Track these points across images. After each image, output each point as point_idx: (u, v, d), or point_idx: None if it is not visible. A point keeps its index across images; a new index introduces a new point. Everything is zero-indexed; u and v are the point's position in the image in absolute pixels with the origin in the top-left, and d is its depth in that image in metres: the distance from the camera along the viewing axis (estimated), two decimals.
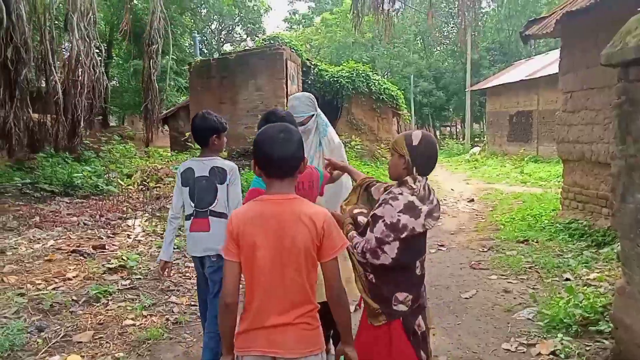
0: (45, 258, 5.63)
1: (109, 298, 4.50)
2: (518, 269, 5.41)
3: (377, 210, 2.15)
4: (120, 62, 20.96)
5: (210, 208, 2.98)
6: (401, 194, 2.14)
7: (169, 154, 14.17)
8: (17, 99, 8.39)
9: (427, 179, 2.21)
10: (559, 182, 12.57)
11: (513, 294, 4.72)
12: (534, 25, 7.39)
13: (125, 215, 8.28)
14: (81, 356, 3.45)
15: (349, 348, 1.92)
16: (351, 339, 1.94)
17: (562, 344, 3.51)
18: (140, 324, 4.01)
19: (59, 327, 3.85)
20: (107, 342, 3.68)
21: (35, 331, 3.74)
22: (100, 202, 9.26)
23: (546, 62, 20.18)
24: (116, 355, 3.49)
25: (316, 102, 3.31)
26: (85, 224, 7.80)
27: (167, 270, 3.29)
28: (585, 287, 4.52)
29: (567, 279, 4.99)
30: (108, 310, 4.26)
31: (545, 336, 3.73)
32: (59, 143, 9.39)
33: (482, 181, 14.72)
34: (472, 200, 10.89)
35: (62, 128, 9.29)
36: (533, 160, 17.83)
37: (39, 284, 4.85)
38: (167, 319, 4.15)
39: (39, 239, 6.64)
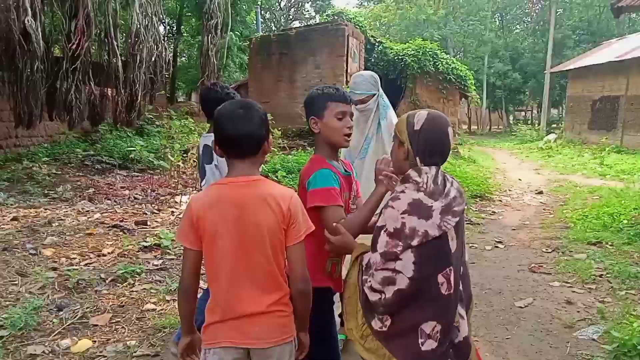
0: (87, 232, 5.65)
1: (136, 278, 4.38)
2: (586, 276, 4.72)
3: (379, 220, 1.71)
4: (188, 38, 21.26)
5: (202, 187, 2.83)
6: (403, 191, 1.69)
7: None
8: (78, 71, 8.50)
9: (438, 169, 1.74)
10: None
11: (577, 307, 4.09)
12: None
13: (175, 191, 8.30)
14: (93, 341, 3.31)
15: (303, 333, 1.84)
16: (306, 325, 1.84)
17: None
18: (161, 310, 3.84)
19: (79, 306, 3.75)
20: (122, 327, 3.53)
21: (55, 310, 3.66)
22: (154, 177, 9.39)
23: None
24: (128, 343, 3.32)
25: (379, 82, 3.20)
26: (135, 198, 7.88)
27: None
28: None
29: None
30: (132, 291, 4.12)
31: None
32: (117, 117, 9.52)
33: (554, 171, 13.54)
34: (541, 192, 9.96)
35: (121, 102, 9.41)
36: (616, 150, 16.21)
37: (74, 258, 4.83)
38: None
39: (87, 211, 6.74)
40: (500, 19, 39.37)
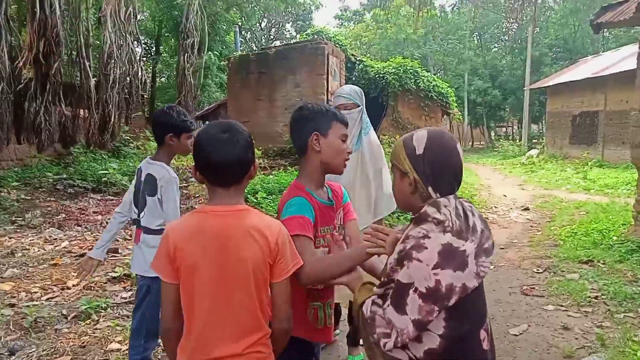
0: (52, 262, 5.28)
1: (101, 314, 4.03)
2: (581, 298, 4.50)
3: (401, 275, 1.34)
4: (167, 58, 21.04)
5: (140, 218, 2.62)
6: (427, 236, 1.33)
7: None
8: (48, 92, 8.17)
9: (456, 197, 1.44)
10: (628, 190, 11.25)
11: (574, 332, 3.85)
12: (607, 12, 6.36)
13: None
14: None
15: None
16: None
17: None
18: (126, 350, 3.48)
19: (34, 349, 3.39)
20: None
21: (6, 354, 3.29)
22: None
23: (616, 59, 18.49)
24: None
25: (364, 99, 3.14)
26: (107, 223, 7.49)
27: (90, 268, 2.88)
28: None
29: None
30: (96, 329, 3.77)
31: None
32: (90, 138, 9.17)
33: (539, 187, 13.48)
34: (527, 208, 9.82)
35: (93, 123, 9.08)
36: (597, 164, 16.30)
37: (35, 292, 4.47)
38: (159, 344, 3.60)
39: (55, 239, 6.36)
40: (478, 37, 40.04)
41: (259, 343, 1.55)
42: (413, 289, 1.31)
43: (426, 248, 1.31)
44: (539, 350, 3.56)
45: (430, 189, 1.43)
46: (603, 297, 4.52)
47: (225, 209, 1.53)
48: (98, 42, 10.46)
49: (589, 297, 4.52)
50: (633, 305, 4.26)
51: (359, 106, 3.06)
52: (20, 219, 7.36)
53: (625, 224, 6.93)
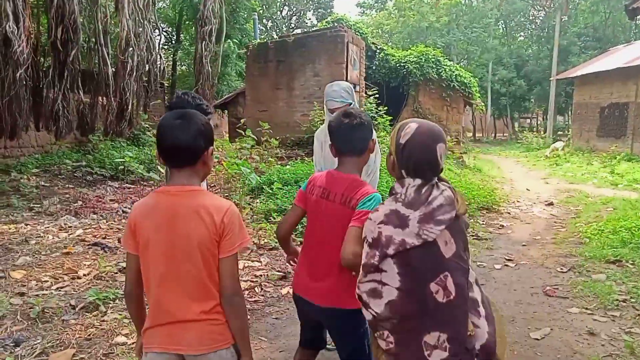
0: (64, 250, 5.26)
1: (109, 305, 3.97)
2: (608, 301, 4.27)
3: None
4: (187, 46, 21.01)
5: None
6: (383, 204, 1.75)
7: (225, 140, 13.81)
8: (66, 80, 8.16)
9: (425, 181, 1.69)
10: None
11: (601, 338, 3.64)
12: None
13: None
14: None
15: (241, 345, 1.74)
16: (248, 348, 1.76)
17: None
18: (132, 343, 3.41)
19: (40, 340, 3.34)
20: None
21: (12, 345, 3.25)
22: (148, 189, 9.01)
23: None
24: None
25: (354, 94, 3.28)
26: (124, 211, 7.48)
27: None
28: None
29: None
30: (103, 321, 3.71)
31: None
32: (108, 126, 9.17)
33: (563, 181, 13.07)
34: (551, 203, 9.50)
35: (111, 111, 9.06)
36: (626, 158, 15.73)
37: (45, 281, 4.44)
38: None
39: (70, 227, 6.35)
40: (504, 26, 39.06)
41: (212, 311, 1.69)
42: (365, 241, 1.69)
43: (378, 211, 1.71)
44: (562, 357, 3.37)
45: (403, 171, 1.72)
46: (632, 300, 4.29)
47: (177, 189, 1.67)
48: (117, 30, 10.43)
49: (617, 300, 4.29)
50: None
51: (350, 104, 3.17)
52: (38, 205, 7.40)
53: None
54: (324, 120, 3.77)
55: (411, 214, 1.63)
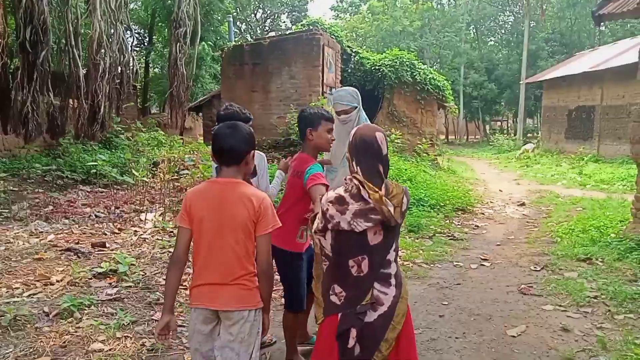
0: (36, 256, 5.11)
1: (85, 311, 3.87)
2: (580, 298, 4.39)
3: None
4: (160, 48, 20.71)
5: None
6: (339, 187, 2.15)
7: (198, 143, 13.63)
8: (35, 81, 7.94)
9: (356, 178, 2.04)
10: (624, 186, 11.18)
11: (574, 334, 3.74)
12: (610, 4, 6.19)
13: (141, 208, 7.77)
14: None
15: (265, 315, 2.27)
16: (269, 307, 2.32)
17: None
18: (110, 350, 3.34)
19: (12, 349, 3.24)
20: None
21: None
22: (121, 193, 8.83)
23: (613, 53, 18.40)
24: None
25: (360, 99, 3.55)
26: (96, 215, 7.33)
27: None
28: None
29: None
30: (78, 327, 3.61)
31: None
32: (80, 129, 8.95)
33: (534, 182, 13.41)
34: (523, 204, 9.73)
35: (82, 114, 8.85)
36: (593, 160, 16.25)
37: (17, 288, 4.30)
38: (143, 344, 3.46)
39: (41, 232, 6.18)
40: (474, 30, 39.83)
41: (243, 278, 2.13)
42: (321, 208, 2.12)
43: (332, 191, 2.14)
44: (538, 353, 3.45)
45: (353, 163, 2.10)
46: (603, 297, 4.42)
47: (225, 180, 2.18)
48: (88, 32, 10.21)
49: (588, 296, 4.42)
50: (634, 306, 4.16)
51: (356, 107, 3.49)
52: (7, 211, 7.16)
53: (623, 221, 6.85)
54: None
55: (350, 205, 2.03)
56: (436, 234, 6.96)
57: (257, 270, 2.16)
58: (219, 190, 2.15)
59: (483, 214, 8.81)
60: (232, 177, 2.16)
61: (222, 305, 2.13)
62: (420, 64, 15.54)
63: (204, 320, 2.17)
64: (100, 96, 8.76)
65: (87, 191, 9.08)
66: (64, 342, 3.40)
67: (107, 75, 8.90)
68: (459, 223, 7.89)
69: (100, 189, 9.24)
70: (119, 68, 9.88)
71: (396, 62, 14.65)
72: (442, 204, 8.50)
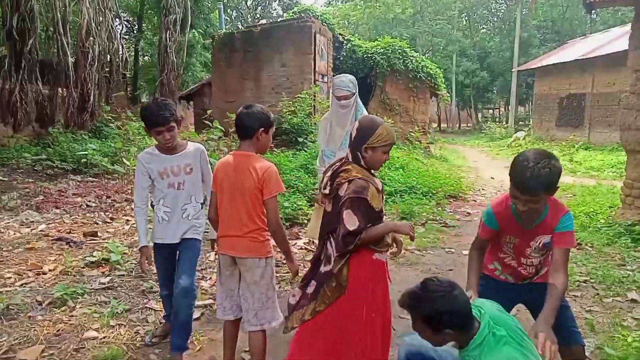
0: (27, 246, 5.09)
1: (78, 300, 3.87)
2: (570, 282, 4.42)
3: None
4: (149, 36, 20.46)
5: None
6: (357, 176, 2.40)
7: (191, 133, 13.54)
8: (23, 70, 7.84)
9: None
10: (614, 172, 11.30)
11: None
12: None
13: (132, 197, 7.72)
14: None
15: (288, 262, 2.78)
16: (291, 258, 2.77)
17: None
18: (104, 337, 3.35)
19: (5, 337, 3.23)
20: None
21: None
22: (112, 182, 8.78)
23: (604, 41, 18.45)
24: None
25: (357, 85, 3.76)
26: (87, 205, 7.29)
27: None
28: None
29: (634, 300, 4.03)
30: (72, 316, 3.62)
31: None
32: (69, 118, 8.86)
33: None
34: None
35: (72, 102, 8.75)
36: (584, 147, 16.37)
37: (8, 277, 4.29)
38: (137, 332, 3.47)
39: (32, 222, 6.14)
40: (467, 18, 39.73)
41: (254, 232, 2.60)
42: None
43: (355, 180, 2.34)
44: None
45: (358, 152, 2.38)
46: (592, 281, 4.49)
47: (240, 153, 2.63)
48: (77, 19, 10.07)
49: (578, 280, 4.48)
50: (621, 290, 4.23)
51: (354, 94, 3.68)
52: None
53: (612, 207, 6.93)
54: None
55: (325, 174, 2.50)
56: (428, 221, 7.01)
57: (269, 229, 2.61)
58: (235, 162, 2.59)
59: (475, 201, 8.86)
60: (246, 151, 2.60)
61: (237, 253, 2.63)
62: (413, 51, 15.51)
63: (225, 263, 2.70)
64: (89, 85, 8.65)
65: (78, 181, 9.01)
66: (58, 331, 3.40)
67: (96, 64, 8.79)
68: (451, 210, 7.93)
69: (91, 178, 9.17)
70: (108, 56, 9.76)
71: (388, 50, 14.61)
72: (434, 192, 8.55)
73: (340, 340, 2.34)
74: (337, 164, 2.48)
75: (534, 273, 2.39)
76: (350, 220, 2.23)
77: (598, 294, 4.20)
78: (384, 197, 2.64)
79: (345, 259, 2.32)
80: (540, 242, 2.29)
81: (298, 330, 2.46)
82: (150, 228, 3.17)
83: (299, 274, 2.77)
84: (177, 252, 3.07)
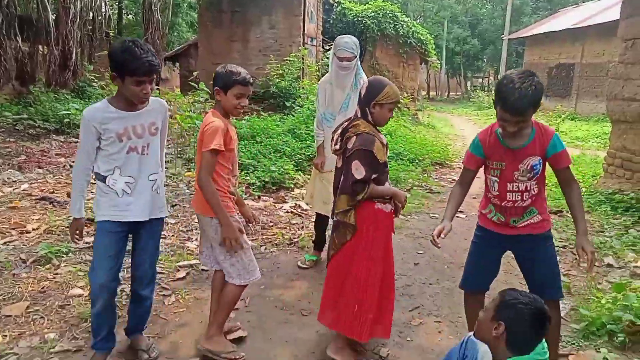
0: (10, 205, 5.03)
1: (63, 259, 3.87)
2: None
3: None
4: None
5: None
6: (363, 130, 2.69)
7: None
8: (1, 25, 7.57)
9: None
10: (598, 143, 11.43)
11: None
12: None
13: None
14: (3, 336, 2.83)
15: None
16: (223, 218, 2.54)
17: (605, 359, 2.73)
18: (88, 295, 3.36)
19: None
20: (41, 318, 3.06)
21: None
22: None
23: (596, 10, 18.33)
24: (46, 336, 2.86)
25: (359, 48, 3.72)
26: (71, 166, 7.19)
27: None
28: (632, 281, 3.67)
29: (610, 265, 4.15)
30: (56, 274, 3.62)
31: (581, 344, 2.95)
32: (50, 77, 8.63)
33: None
34: None
35: (53, 60, 8.51)
36: (570, 117, 16.47)
37: None
38: (122, 290, 3.49)
39: (14, 181, 6.06)
40: None
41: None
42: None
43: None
44: None
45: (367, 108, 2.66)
46: (570, 246, 4.60)
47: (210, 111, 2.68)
48: None
49: (557, 246, 4.56)
50: (599, 255, 4.34)
51: (356, 56, 3.65)
52: None
53: (594, 176, 7.04)
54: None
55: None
56: (414, 187, 7.07)
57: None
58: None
59: (460, 168, 8.92)
60: (213, 109, 2.65)
61: (195, 210, 2.72)
62: (404, 16, 15.27)
63: (199, 221, 2.76)
64: (71, 42, 8.41)
65: (61, 141, 8.87)
66: (43, 288, 3.41)
67: (78, 20, 8.51)
68: (437, 177, 8.00)
69: (74, 139, 9.02)
70: (91, 13, 9.47)
71: (379, 13, 14.37)
72: (420, 158, 8.58)
73: (346, 282, 2.67)
74: (345, 123, 2.75)
75: (519, 200, 2.44)
76: (358, 170, 2.51)
77: (576, 259, 4.31)
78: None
79: (353, 208, 2.61)
80: (528, 165, 2.37)
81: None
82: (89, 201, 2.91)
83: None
84: (134, 233, 2.60)
